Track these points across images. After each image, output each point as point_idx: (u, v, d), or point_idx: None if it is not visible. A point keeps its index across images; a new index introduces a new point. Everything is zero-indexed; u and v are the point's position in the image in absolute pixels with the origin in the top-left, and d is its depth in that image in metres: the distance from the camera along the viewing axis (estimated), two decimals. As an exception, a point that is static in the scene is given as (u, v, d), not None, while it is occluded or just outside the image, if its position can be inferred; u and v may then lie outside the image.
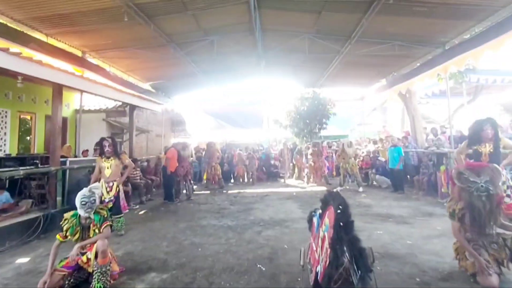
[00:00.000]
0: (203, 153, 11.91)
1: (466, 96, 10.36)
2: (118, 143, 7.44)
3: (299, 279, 3.04)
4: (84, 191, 3.27)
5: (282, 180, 11.56)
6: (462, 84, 9.43)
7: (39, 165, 6.24)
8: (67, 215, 3.30)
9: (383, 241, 4.47)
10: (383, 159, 10.07)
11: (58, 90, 6.07)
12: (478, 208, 2.95)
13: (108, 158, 5.12)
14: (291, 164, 12.92)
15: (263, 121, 19.52)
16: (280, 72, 12.50)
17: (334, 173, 12.48)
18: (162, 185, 8.75)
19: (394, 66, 9.62)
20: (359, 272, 2.74)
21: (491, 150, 4.30)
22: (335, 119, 14.90)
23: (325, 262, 2.78)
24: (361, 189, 9.00)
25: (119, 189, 5.11)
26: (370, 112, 17.81)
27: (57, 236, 3.22)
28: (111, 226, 3.36)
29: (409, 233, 4.82)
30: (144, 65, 9.35)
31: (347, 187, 9.57)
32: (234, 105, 19.80)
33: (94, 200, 3.26)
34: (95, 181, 4.95)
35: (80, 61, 6.98)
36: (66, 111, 10.15)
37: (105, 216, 3.33)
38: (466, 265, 3.12)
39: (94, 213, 3.26)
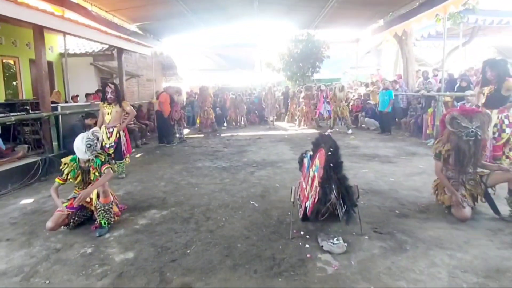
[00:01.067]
0: (196, 97, 11.83)
1: (462, 38, 10.17)
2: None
3: (289, 213, 3.30)
4: (88, 134, 3.32)
5: (272, 123, 11.61)
6: (459, 25, 9.20)
7: (30, 111, 6.18)
8: (65, 159, 3.38)
9: (367, 178, 4.76)
10: (373, 103, 10.18)
11: (39, 32, 5.71)
12: (464, 150, 3.14)
13: (110, 104, 5.12)
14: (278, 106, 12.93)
15: (255, 64, 19.07)
16: (273, 13, 11.84)
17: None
18: (157, 129, 8.83)
19: (393, 6, 9.20)
20: (345, 206, 3.00)
21: (492, 92, 4.29)
22: (328, 62, 14.63)
23: (314, 198, 3.01)
24: (350, 131, 9.26)
25: (119, 135, 5.19)
26: (364, 55, 17.44)
27: (56, 179, 3.35)
28: (111, 168, 3.48)
29: (393, 171, 5.12)
30: (129, 3, 8.73)
31: (337, 129, 9.80)
32: (226, 47, 19.13)
33: (97, 143, 3.36)
34: (100, 126, 5.06)
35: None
36: (50, 54, 9.71)
37: (104, 160, 3.43)
38: (443, 199, 3.39)
39: (95, 156, 3.36)
